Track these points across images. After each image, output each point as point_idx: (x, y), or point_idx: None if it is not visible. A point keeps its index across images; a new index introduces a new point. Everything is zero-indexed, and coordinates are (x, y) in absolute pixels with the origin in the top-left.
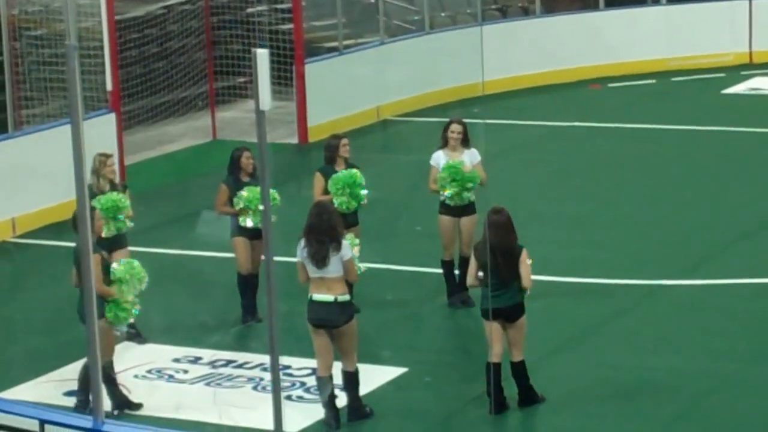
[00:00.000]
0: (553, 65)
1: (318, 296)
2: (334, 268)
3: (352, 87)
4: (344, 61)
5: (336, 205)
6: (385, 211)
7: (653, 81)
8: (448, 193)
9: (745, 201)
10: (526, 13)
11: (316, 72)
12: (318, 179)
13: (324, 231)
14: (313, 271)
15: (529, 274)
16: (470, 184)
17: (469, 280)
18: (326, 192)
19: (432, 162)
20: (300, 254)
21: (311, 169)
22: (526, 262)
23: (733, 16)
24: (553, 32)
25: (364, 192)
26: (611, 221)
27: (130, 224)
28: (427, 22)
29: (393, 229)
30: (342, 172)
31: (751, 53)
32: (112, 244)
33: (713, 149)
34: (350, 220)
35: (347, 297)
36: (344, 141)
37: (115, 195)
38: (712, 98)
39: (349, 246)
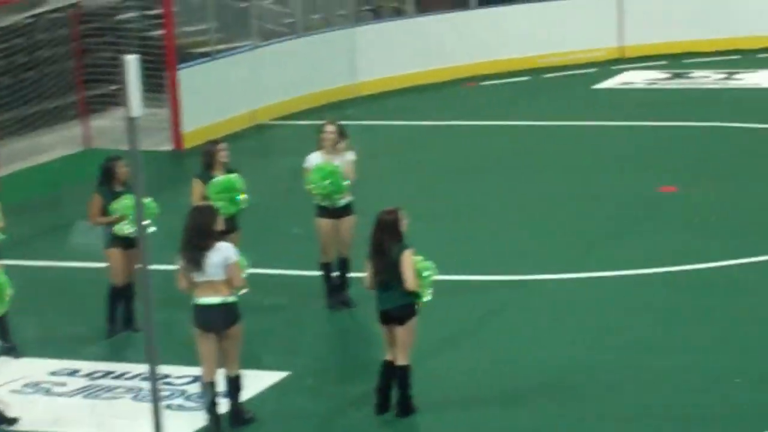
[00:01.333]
0: (427, 65)
1: (203, 300)
2: (214, 271)
3: (226, 92)
4: (217, 66)
5: None
6: (263, 216)
7: (526, 78)
8: (317, 192)
9: (619, 193)
10: (399, 13)
11: (189, 77)
12: (196, 185)
13: (198, 233)
14: (197, 276)
15: (411, 275)
16: (342, 184)
17: (366, 282)
18: (205, 198)
19: (308, 164)
20: (179, 260)
21: (188, 175)
22: (408, 263)
23: (603, 12)
24: (427, 32)
25: (242, 197)
26: (488, 218)
27: (1, 236)
28: (300, 24)
29: (271, 233)
30: (220, 177)
31: (622, 48)
32: None
33: (586, 144)
34: (229, 226)
35: (234, 299)
36: (222, 146)
37: None
38: (583, 93)
39: (234, 249)
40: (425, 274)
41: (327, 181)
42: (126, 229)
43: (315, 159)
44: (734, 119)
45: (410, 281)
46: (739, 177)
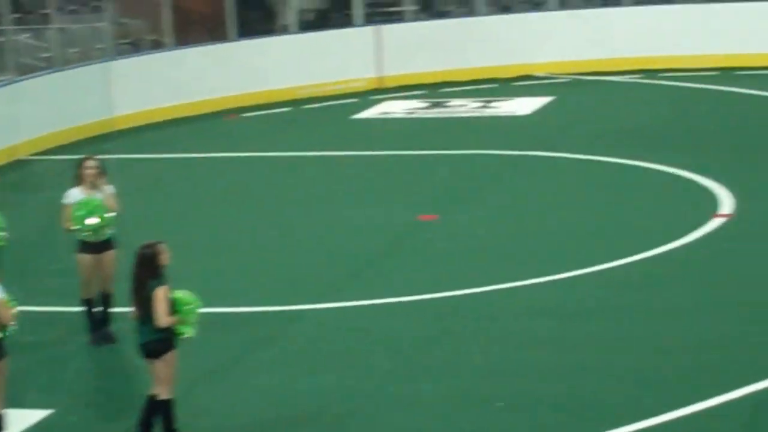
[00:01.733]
0: (188, 98)
1: None
2: None
3: None
4: None
5: None
6: (21, 252)
7: (287, 109)
8: (85, 226)
9: (380, 222)
10: (158, 46)
11: None
12: None
13: None
14: None
15: (161, 312)
16: (107, 217)
17: (131, 315)
18: None
19: (67, 200)
20: None
21: None
22: (159, 299)
23: (361, 43)
24: (186, 64)
25: (2, 234)
26: (252, 249)
27: None
28: (57, 58)
29: (30, 270)
30: None
31: (380, 78)
32: None
33: (346, 173)
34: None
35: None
36: None
37: None
38: (343, 124)
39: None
40: (186, 308)
41: (94, 218)
42: None
43: (75, 194)
44: (491, 146)
45: (161, 318)
46: (497, 203)
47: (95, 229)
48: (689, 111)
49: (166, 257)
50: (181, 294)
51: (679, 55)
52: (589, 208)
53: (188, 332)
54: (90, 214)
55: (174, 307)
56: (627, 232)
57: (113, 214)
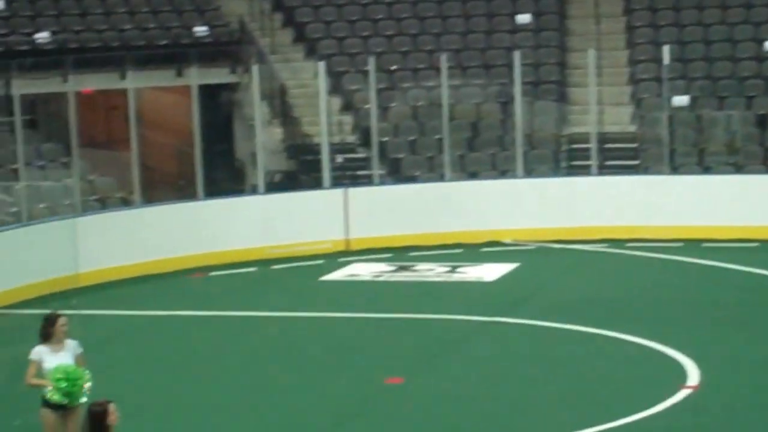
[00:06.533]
0: (154, 255)
1: None
2: None
3: None
4: None
5: None
6: None
7: (254, 269)
8: (56, 398)
9: (345, 386)
10: (126, 203)
11: None
12: None
13: None
14: None
15: None
16: (86, 385)
17: None
18: None
19: (34, 356)
20: None
21: None
22: None
23: (329, 205)
24: (153, 223)
25: None
26: (209, 411)
27: None
28: (24, 213)
29: None
30: None
31: (347, 240)
32: None
33: (313, 335)
34: None
35: None
36: None
37: None
38: (310, 285)
39: None
40: None
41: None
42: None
43: (42, 351)
44: (457, 312)
45: None
46: (462, 368)
47: (70, 397)
48: (655, 281)
49: (114, 417)
50: None
51: (644, 225)
52: (553, 375)
53: None
54: (72, 385)
55: None
56: (591, 401)
57: (88, 378)
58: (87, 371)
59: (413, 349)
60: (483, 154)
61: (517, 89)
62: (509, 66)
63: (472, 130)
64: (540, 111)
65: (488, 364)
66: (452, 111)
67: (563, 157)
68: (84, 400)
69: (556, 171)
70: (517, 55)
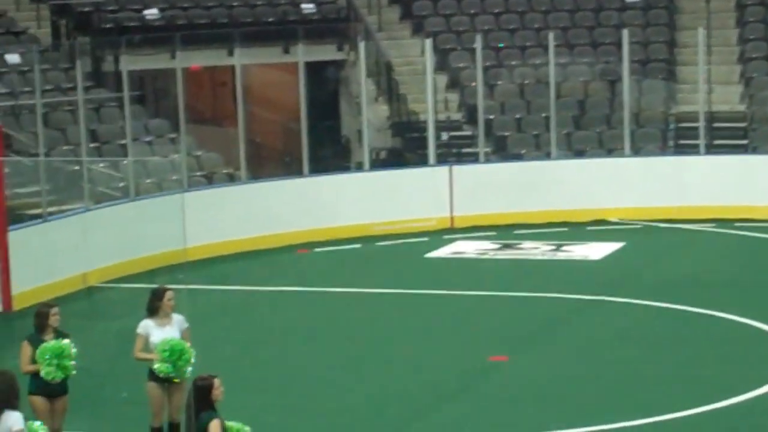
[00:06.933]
0: (260, 231)
1: None
2: None
3: (56, 254)
4: (48, 228)
5: (43, 375)
6: (91, 380)
7: (359, 245)
8: (163, 369)
9: (449, 363)
10: (232, 179)
11: (19, 239)
12: (25, 348)
13: None
14: None
15: None
16: (189, 363)
17: None
18: (34, 362)
19: (141, 330)
20: None
21: (16, 337)
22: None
23: (434, 183)
24: (260, 198)
25: (72, 363)
26: (313, 386)
27: None
28: (132, 188)
29: (99, 398)
30: (51, 343)
31: (452, 218)
32: None
33: (418, 312)
34: (58, 390)
35: None
36: (54, 310)
37: None
38: (416, 262)
39: (20, 419)
40: None
41: (184, 359)
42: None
43: (149, 325)
44: (562, 290)
45: None
46: (566, 346)
47: (183, 370)
48: (763, 262)
49: (220, 391)
50: (234, 425)
51: (753, 206)
52: (656, 355)
53: None
54: (179, 360)
55: None
56: (695, 381)
57: (191, 355)
58: (191, 346)
59: (517, 327)
60: (590, 132)
61: (625, 67)
62: (617, 44)
63: (579, 108)
64: (648, 89)
65: (592, 344)
66: (559, 89)
67: (671, 136)
68: (189, 373)
69: (663, 150)
70: (625, 34)
